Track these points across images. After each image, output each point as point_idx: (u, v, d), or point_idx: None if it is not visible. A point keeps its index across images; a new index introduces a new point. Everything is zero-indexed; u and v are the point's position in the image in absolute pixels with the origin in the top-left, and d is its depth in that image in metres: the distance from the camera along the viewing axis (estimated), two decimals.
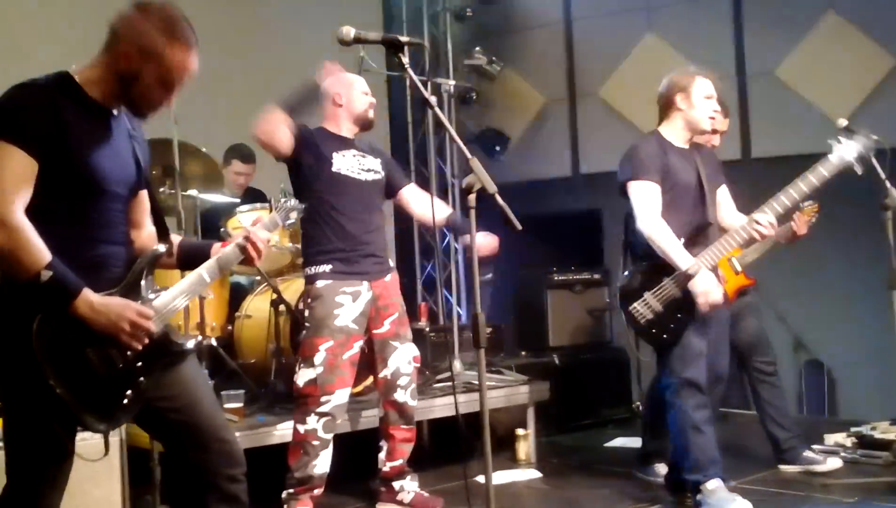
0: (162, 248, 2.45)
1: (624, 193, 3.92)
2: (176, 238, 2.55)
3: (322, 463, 3.92)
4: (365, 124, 4.11)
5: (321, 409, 3.87)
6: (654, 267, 3.82)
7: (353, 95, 4.06)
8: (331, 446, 3.96)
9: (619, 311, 3.90)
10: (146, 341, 2.26)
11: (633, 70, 6.88)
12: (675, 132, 3.97)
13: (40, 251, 2.12)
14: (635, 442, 5.32)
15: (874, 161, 3.92)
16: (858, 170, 3.79)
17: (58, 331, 2.15)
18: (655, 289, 3.82)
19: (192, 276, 2.46)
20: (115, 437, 3.47)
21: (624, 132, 6.88)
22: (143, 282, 2.36)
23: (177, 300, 2.41)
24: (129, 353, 2.25)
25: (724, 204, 4.06)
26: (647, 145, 3.94)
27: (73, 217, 2.26)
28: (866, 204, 3.81)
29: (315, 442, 3.88)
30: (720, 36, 6.52)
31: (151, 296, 2.37)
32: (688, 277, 3.72)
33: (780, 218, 3.85)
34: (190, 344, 2.43)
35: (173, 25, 2.29)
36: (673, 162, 3.88)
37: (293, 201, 2.79)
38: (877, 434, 4.79)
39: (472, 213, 2.64)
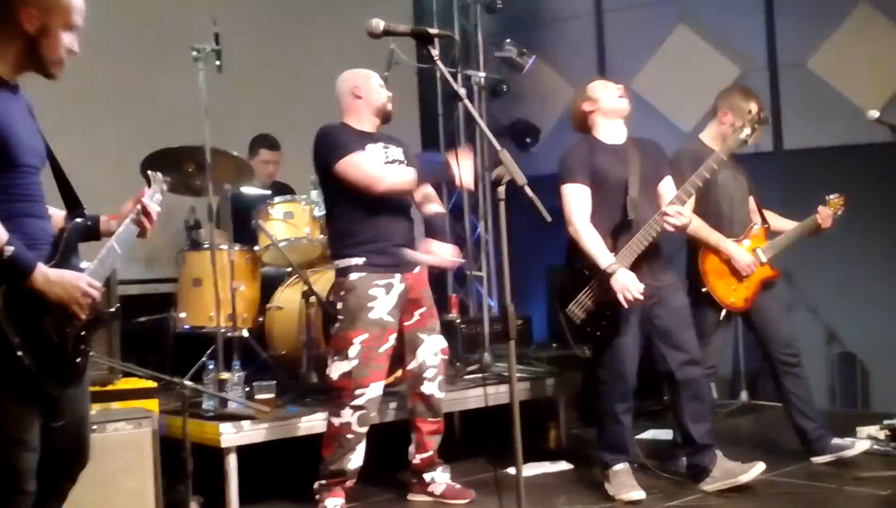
0: (80, 219, 2.51)
1: (558, 195, 4.07)
2: (58, 212, 2.57)
3: (356, 458, 3.94)
4: (385, 116, 4.13)
5: (356, 402, 3.87)
6: (584, 268, 4.00)
7: (371, 87, 4.09)
8: (365, 440, 3.96)
9: (559, 313, 4.08)
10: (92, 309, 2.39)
11: (664, 62, 6.83)
12: (601, 131, 4.14)
13: (1, 229, 2.22)
14: (667, 434, 5.30)
15: None
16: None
17: (18, 304, 2.24)
18: (586, 289, 3.99)
19: (106, 248, 2.52)
20: (148, 428, 3.52)
21: (655, 124, 6.85)
22: (73, 254, 2.45)
23: (101, 271, 2.48)
24: (75, 322, 2.37)
25: (668, 197, 4.08)
26: (575, 149, 4.13)
27: (4, 193, 2.32)
28: None
29: (349, 436, 3.88)
30: (751, 27, 6.45)
31: (83, 267, 2.45)
32: (608, 274, 3.89)
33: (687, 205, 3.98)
34: (113, 310, 2.56)
35: None
36: (601, 161, 4.04)
37: (159, 175, 2.77)
38: None
39: (502, 205, 2.65)
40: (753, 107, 4.34)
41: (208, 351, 4.66)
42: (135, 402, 3.82)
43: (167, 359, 4.74)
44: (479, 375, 5.08)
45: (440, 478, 4.18)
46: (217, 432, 3.91)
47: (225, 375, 4.23)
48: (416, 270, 4.08)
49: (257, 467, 4.19)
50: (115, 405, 3.76)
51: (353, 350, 3.86)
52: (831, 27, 6.12)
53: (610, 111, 4.13)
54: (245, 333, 4.83)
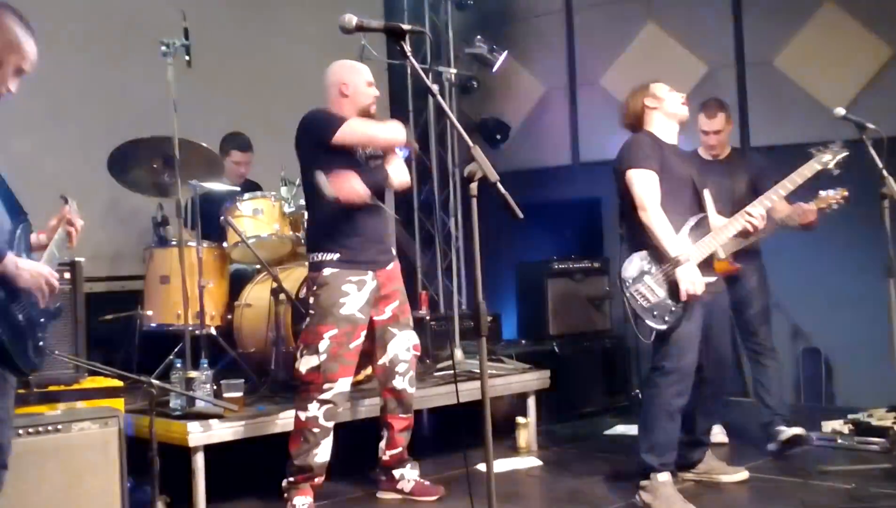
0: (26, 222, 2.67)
1: (619, 181, 4.00)
2: None
3: (322, 452, 3.93)
4: (366, 116, 4.09)
5: (323, 396, 3.88)
6: (656, 252, 3.89)
7: (359, 86, 4.04)
8: (331, 435, 3.96)
9: (624, 294, 3.92)
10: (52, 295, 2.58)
11: (633, 59, 6.86)
12: (660, 130, 4.07)
13: None
14: (635, 430, 5.34)
15: (871, 150, 3.95)
16: (835, 172, 4.05)
17: None
18: (656, 273, 3.89)
19: (47, 252, 2.69)
20: (114, 427, 3.48)
21: None
22: (27, 251, 2.63)
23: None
24: (36, 307, 2.56)
25: (708, 205, 4.14)
26: (643, 137, 4.05)
27: None
28: (864, 192, 3.82)
29: (315, 430, 3.89)
30: (719, 25, 6.50)
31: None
32: (676, 264, 3.82)
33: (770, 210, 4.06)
34: (59, 304, 2.82)
35: (26, 21, 2.57)
36: (667, 156, 3.98)
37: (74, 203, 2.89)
38: (873, 421, 4.84)
39: (474, 202, 2.64)
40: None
41: (176, 349, 4.62)
42: (101, 401, 3.76)
43: (134, 358, 4.70)
44: (450, 372, 5.08)
45: (410, 475, 4.19)
46: (184, 431, 3.87)
47: (192, 373, 4.19)
48: (390, 266, 4.09)
49: (225, 466, 4.16)
50: (81, 404, 3.70)
51: (322, 345, 3.87)
52: (797, 25, 6.18)
53: (672, 114, 4.07)
54: (213, 331, 4.79)
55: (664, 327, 3.86)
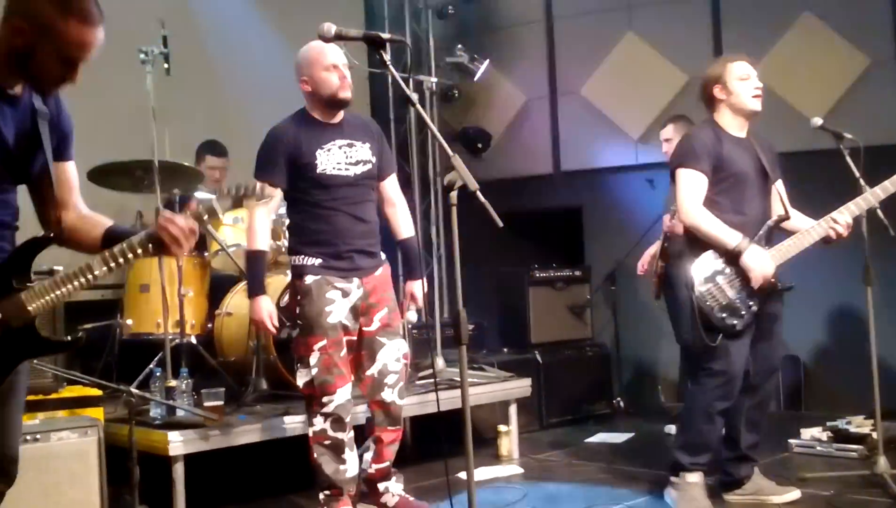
0: (40, 237, 2.32)
1: (673, 179, 3.90)
2: (104, 222, 2.43)
3: (351, 467, 3.82)
4: (340, 105, 3.83)
5: (325, 410, 3.75)
6: (727, 253, 3.74)
7: (316, 76, 3.78)
8: (353, 447, 3.85)
9: (692, 294, 3.72)
10: None
11: (613, 68, 6.91)
12: (727, 121, 3.90)
13: None
14: (616, 438, 5.36)
15: (849, 159, 3.97)
16: None
17: None
18: (730, 273, 3.75)
19: (81, 268, 2.30)
20: (94, 437, 3.46)
21: (605, 130, 6.92)
22: (12, 274, 2.26)
23: (52, 295, 2.27)
24: None
25: (778, 199, 3.95)
26: (701, 132, 3.91)
27: None
28: (842, 202, 3.84)
29: (326, 442, 3.77)
30: (699, 35, 6.55)
31: (24, 292, 2.26)
32: (737, 254, 3.69)
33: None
34: (73, 337, 2.37)
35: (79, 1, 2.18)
36: (728, 151, 3.82)
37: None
38: (852, 429, 4.86)
39: (454, 210, 2.65)
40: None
41: (156, 358, 4.59)
42: (80, 410, 3.75)
43: (113, 367, 4.67)
44: (431, 380, 5.07)
45: (394, 489, 4.05)
46: (165, 440, 3.85)
47: (172, 382, 4.17)
48: (379, 271, 3.94)
49: (205, 475, 4.13)
50: (60, 413, 3.70)
51: (313, 358, 3.75)
52: (776, 36, 6.24)
53: (739, 110, 3.87)
54: (193, 339, 4.77)
55: (736, 327, 3.71)
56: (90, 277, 2.29)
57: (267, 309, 3.83)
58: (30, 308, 2.25)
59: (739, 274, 3.73)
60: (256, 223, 3.83)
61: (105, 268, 2.30)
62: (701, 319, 3.72)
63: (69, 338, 2.37)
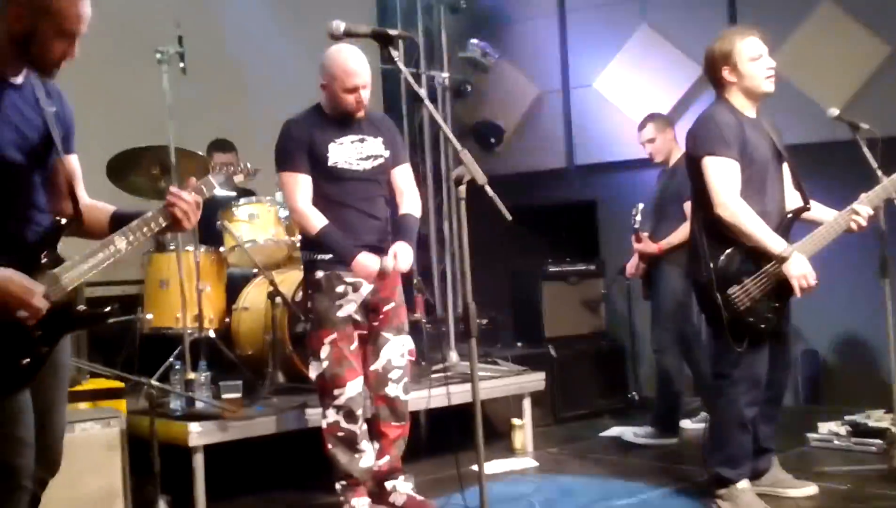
0: (63, 220, 2.44)
1: (692, 168, 3.64)
2: (108, 208, 2.56)
3: (366, 458, 3.85)
4: (350, 116, 3.84)
5: (337, 402, 3.79)
6: (752, 251, 3.54)
7: (337, 92, 3.79)
8: (367, 439, 3.87)
9: (714, 296, 3.54)
10: (41, 313, 2.27)
11: (627, 61, 6.90)
12: (739, 102, 3.66)
13: None
14: (630, 432, 5.38)
15: (866, 150, 3.91)
16: None
17: None
18: (757, 275, 3.55)
19: (103, 242, 2.43)
20: (116, 428, 3.51)
21: (618, 123, 6.92)
22: (43, 253, 2.37)
23: (83, 268, 2.39)
24: (27, 323, 2.27)
25: (790, 183, 3.80)
26: (722, 114, 3.62)
27: None
28: (859, 193, 3.79)
29: (340, 434, 3.80)
30: (714, 26, 6.46)
31: (56, 268, 2.37)
32: (782, 260, 3.51)
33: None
34: (107, 309, 2.49)
35: None
36: (750, 135, 3.58)
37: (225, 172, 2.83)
38: (870, 423, 4.83)
39: (463, 204, 2.68)
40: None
41: (175, 352, 4.65)
42: (103, 402, 3.82)
43: (134, 360, 4.73)
44: (444, 374, 5.10)
45: (402, 488, 4.01)
46: (184, 431, 3.91)
47: (192, 375, 4.23)
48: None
49: (224, 466, 4.18)
50: (83, 405, 3.76)
51: (324, 351, 3.79)
52: (794, 25, 6.19)
53: (752, 93, 3.64)
54: (211, 333, 4.82)
55: (764, 330, 3.57)
56: (113, 249, 2.43)
57: (370, 262, 3.76)
58: (63, 283, 2.36)
59: (768, 275, 3.55)
60: (306, 211, 3.79)
61: (125, 242, 2.44)
62: (728, 323, 3.54)
63: (106, 309, 2.50)
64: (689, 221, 4.02)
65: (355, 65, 3.77)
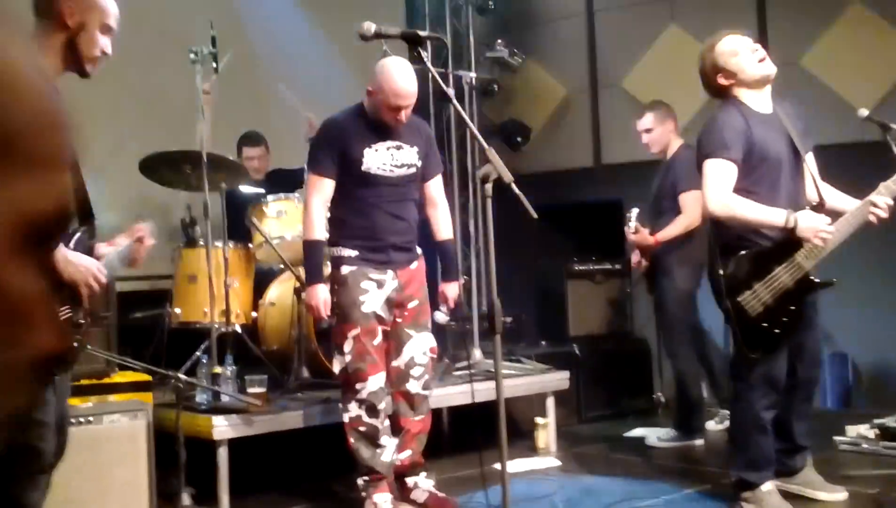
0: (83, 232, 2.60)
1: (699, 171, 3.61)
2: None
3: (387, 452, 3.88)
4: (387, 124, 3.89)
5: (359, 396, 3.82)
6: (761, 254, 3.51)
7: (381, 106, 3.82)
8: (389, 434, 3.90)
9: (725, 303, 3.52)
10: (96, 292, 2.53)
11: (655, 61, 6.88)
12: (748, 98, 3.60)
13: None
14: (654, 432, 5.37)
15: None
16: None
17: None
18: (767, 279, 3.49)
19: (107, 257, 2.65)
20: (143, 420, 3.57)
21: None
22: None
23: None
24: (78, 308, 2.49)
25: (810, 179, 3.69)
26: (728, 115, 3.59)
27: None
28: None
29: (362, 428, 3.84)
30: (743, 26, 6.36)
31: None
32: (790, 229, 3.42)
33: None
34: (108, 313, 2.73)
35: None
36: (759, 134, 3.54)
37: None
38: None
39: (489, 202, 2.71)
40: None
41: (202, 346, 4.71)
42: (130, 395, 3.88)
43: (162, 353, 4.79)
44: (467, 371, 5.12)
45: (424, 484, 4.04)
46: (210, 425, 3.97)
47: (218, 369, 4.28)
48: (414, 265, 4.00)
49: (248, 459, 4.23)
50: (112, 397, 3.82)
51: (347, 345, 3.83)
52: (824, 25, 6.14)
53: (753, 82, 3.58)
54: (238, 328, 4.88)
55: (779, 335, 3.50)
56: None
57: (323, 296, 3.88)
58: None
59: (777, 277, 3.50)
60: (313, 214, 3.89)
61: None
62: (741, 330, 3.51)
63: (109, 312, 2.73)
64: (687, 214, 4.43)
65: (405, 86, 3.78)
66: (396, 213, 3.92)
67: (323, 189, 3.89)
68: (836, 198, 3.70)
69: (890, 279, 5.31)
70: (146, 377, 3.98)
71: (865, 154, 5.14)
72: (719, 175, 3.50)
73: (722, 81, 3.62)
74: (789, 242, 3.49)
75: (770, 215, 3.45)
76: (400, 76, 3.78)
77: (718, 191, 3.48)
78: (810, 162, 3.71)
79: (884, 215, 3.50)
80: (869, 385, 6.07)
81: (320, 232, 3.91)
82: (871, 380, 6.06)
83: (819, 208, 3.60)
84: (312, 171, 3.93)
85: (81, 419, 3.40)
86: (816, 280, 3.55)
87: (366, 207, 3.88)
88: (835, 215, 3.62)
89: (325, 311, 3.89)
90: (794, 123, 3.65)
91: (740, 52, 3.60)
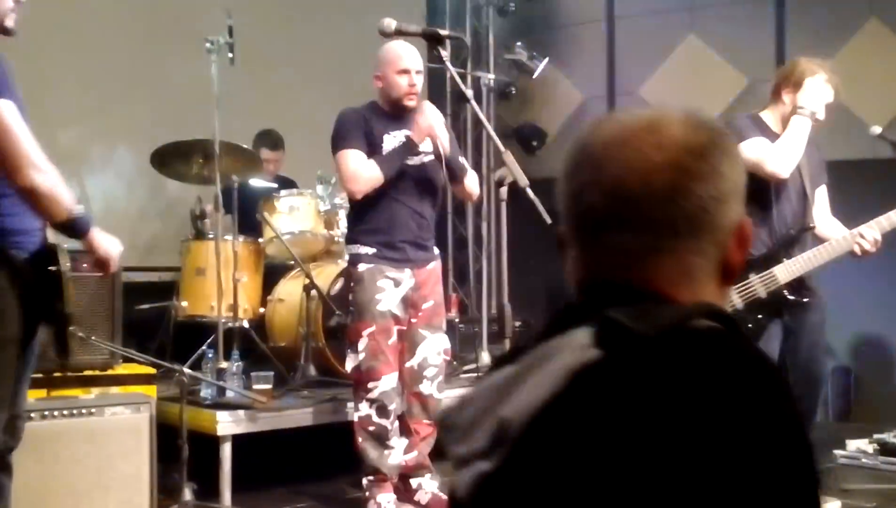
0: None
1: None
2: None
3: (395, 454, 3.85)
4: (402, 110, 3.86)
5: (370, 395, 3.79)
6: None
7: (389, 77, 3.82)
8: (398, 435, 3.87)
9: None
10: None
11: (673, 70, 6.85)
12: (774, 119, 3.67)
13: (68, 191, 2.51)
14: None
15: None
16: None
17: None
18: (740, 286, 3.52)
19: None
20: (146, 413, 3.55)
21: None
22: None
23: None
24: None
25: (819, 206, 3.74)
26: (740, 123, 3.62)
27: None
28: None
29: (371, 428, 3.80)
30: (762, 39, 6.47)
31: None
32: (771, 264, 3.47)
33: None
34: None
35: None
36: None
37: None
38: None
39: (503, 206, 2.68)
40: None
41: (208, 340, 4.69)
42: (134, 387, 3.85)
43: (167, 346, 4.78)
44: (475, 374, 5.10)
45: (428, 486, 4.00)
46: (213, 420, 3.94)
47: (224, 364, 4.26)
48: (431, 265, 3.98)
49: (252, 456, 4.21)
50: (114, 389, 3.80)
51: (361, 343, 3.80)
52: (841, 41, 6.12)
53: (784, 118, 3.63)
54: (245, 323, 4.85)
55: None
56: None
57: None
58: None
59: (752, 286, 3.50)
60: (356, 168, 3.79)
61: None
62: None
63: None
64: None
65: (406, 50, 3.81)
66: (416, 208, 3.89)
67: (358, 156, 3.80)
68: (835, 228, 3.71)
69: (891, 293, 5.26)
70: (150, 370, 3.95)
71: (876, 171, 5.12)
72: None
73: (783, 94, 3.65)
74: (772, 255, 3.53)
75: None
76: (399, 44, 3.79)
77: None
78: (821, 196, 3.74)
79: (869, 248, 3.51)
80: (869, 400, 6.03)
81: (372, 163, 3.79)
82: (871, 394, 6.02)
83: (807, 229, 3.62)
84: (343, 146, 3.82)
85: (83, 411, 3.38)
86: (791, 297, 3.55)
87: (384, 199, 3.84)
88: (820, 241, 3.64)
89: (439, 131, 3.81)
90: (811, 155, 3.68)
91: (820, 93, 3.68)
